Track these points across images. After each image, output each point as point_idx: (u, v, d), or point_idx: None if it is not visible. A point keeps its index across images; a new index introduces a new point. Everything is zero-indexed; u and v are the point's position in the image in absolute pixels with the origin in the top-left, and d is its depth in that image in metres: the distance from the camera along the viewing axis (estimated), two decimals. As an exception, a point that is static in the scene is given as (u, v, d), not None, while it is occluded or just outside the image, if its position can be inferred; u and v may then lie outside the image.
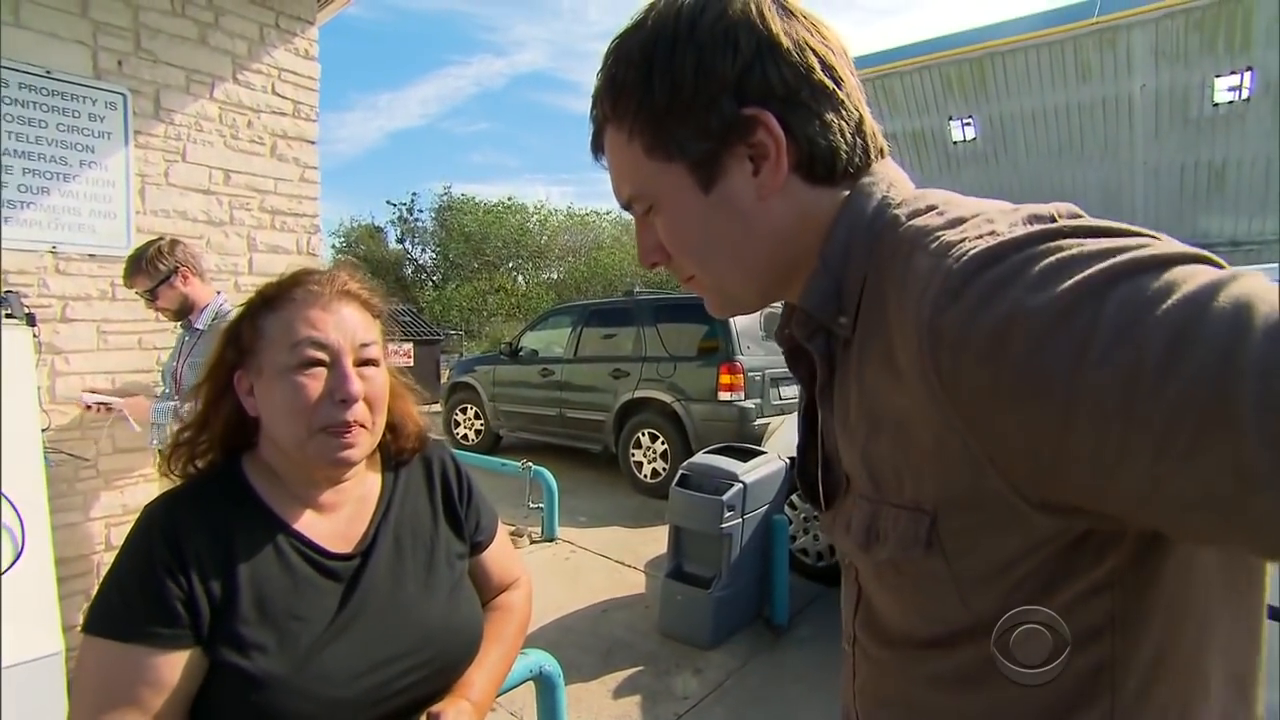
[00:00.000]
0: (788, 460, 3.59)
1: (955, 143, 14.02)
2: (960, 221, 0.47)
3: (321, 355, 0.81)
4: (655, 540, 4.52)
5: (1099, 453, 0.36)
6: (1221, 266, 0.37)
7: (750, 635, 3.23)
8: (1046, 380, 0.37)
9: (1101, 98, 11.88)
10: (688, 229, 0.57)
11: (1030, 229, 0.43)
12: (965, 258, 0.42)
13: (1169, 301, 0.34)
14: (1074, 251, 0.39)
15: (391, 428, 0.94)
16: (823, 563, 3.86)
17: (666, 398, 5.79)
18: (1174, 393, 0.33)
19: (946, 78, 13.20)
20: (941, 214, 0.50)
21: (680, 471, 3.38)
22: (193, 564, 0.74)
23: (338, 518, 0.87)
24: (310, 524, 0.84)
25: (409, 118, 73.21)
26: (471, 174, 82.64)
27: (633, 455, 6.04)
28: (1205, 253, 0.38)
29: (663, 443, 5.81)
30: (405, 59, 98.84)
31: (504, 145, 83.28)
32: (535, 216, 25.74)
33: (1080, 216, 0.44)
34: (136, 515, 0.79)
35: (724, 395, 5.42)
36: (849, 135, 0.54)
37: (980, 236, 0.44)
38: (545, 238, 25.35)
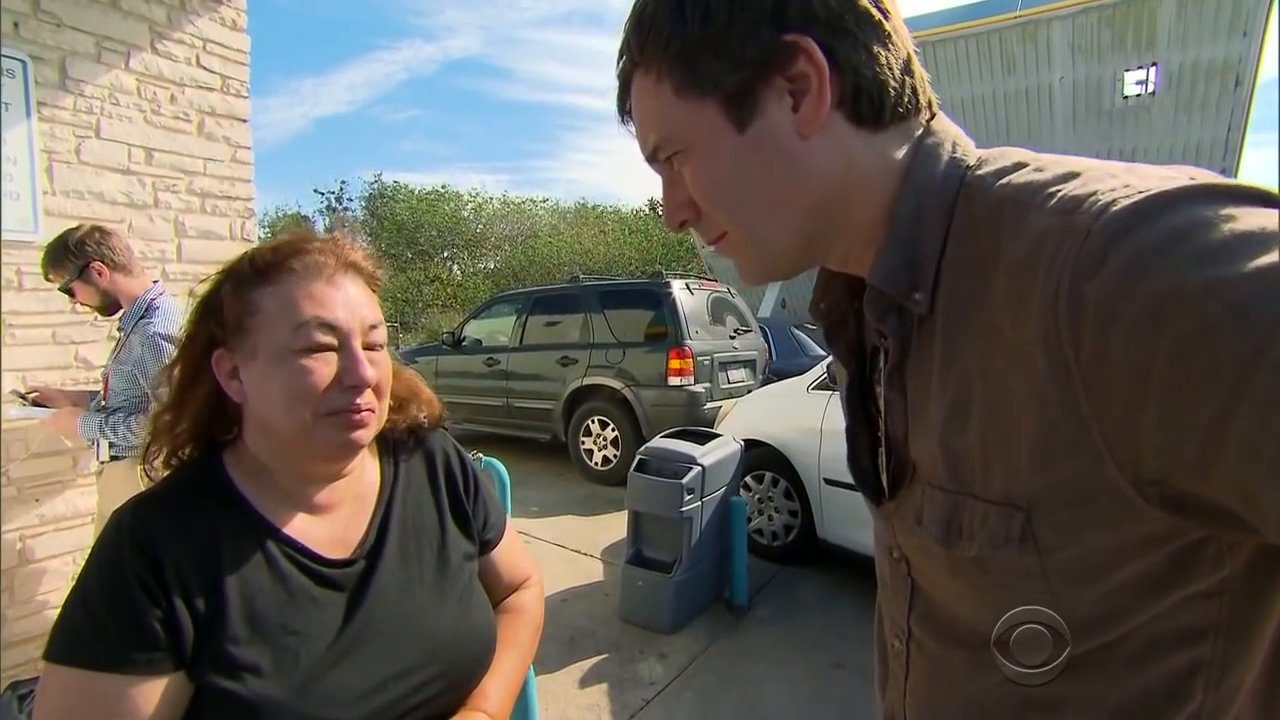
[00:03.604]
0: (742, 443, 3.62)
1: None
2: (1073, 176, 0.42)
3: (330, 339, 0.72)
4: (609, 528, 4.50)
5: (1248, 465, 0.33)
6: None
7: (711, 617, 3.24)
8: (1209, 375, 0.33)
9: (1024, 88, 12.44)
10: (720, 174, 0.51)
11: (1178, 184, 0.37)
12: (1106, 215, 0.37)
13: None
14: (1251, 225, 0.34)
15: (393, 412, 0.85)
16: (778, 543, 3.93)
17: (616, 384, 5.74)
18: None
19: (879, 67, 13.55)
20: (1041, 170, 0.45)
21: (638, 456, 3.34)
22: (171, 577, 0.65)
23: (334, 519, 0.78)
24: (303, 527, 0.75)
25: (336, 104, 69.96)
26: (403, 162, 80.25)
27: (583, 443, 5.99)
28: None
29: (613, 430, 5.78)
30: (330, 43, 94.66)
31: (436, 133, 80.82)
32: (470, 205, 25.10)
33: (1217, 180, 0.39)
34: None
35: (674, 380, 5.43)
36: (897, 72, 0.49)
37: (1113, 190, 0.38)
38: (480, 226, 24.73)
